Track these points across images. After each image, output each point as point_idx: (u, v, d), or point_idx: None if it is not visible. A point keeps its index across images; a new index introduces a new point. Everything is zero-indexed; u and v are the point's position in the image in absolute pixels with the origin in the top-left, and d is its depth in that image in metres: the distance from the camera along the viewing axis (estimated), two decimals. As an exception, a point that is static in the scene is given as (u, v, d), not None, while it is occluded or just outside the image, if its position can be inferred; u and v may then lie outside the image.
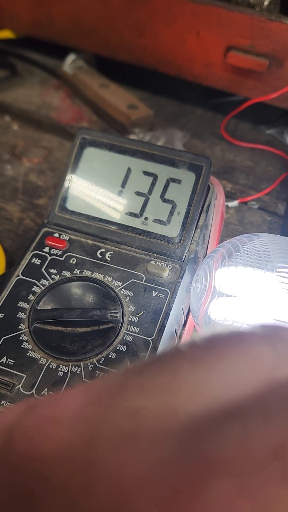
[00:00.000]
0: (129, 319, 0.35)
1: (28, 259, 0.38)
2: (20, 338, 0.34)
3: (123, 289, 0.37)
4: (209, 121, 0.65)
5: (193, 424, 0.11)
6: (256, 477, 0.10)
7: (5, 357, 0.33)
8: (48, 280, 0.37)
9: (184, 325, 0.38)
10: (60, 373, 0.33)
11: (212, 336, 0.14)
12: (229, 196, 0.55)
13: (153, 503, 0.10)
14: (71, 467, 0.11)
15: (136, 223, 0.40)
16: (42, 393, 0.32)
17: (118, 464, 0.11)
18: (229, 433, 0.11)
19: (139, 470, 0.11)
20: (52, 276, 0.37)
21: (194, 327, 0.39)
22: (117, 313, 0.35)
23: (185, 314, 0.38)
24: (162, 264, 0.38)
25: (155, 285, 0.37)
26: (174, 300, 0.36)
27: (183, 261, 0.38)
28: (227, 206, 0.54)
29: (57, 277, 0.37)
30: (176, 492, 0.10)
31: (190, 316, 0.38)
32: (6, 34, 0.70)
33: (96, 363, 0.33)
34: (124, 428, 0.12)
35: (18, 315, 0.35)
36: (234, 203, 0.54)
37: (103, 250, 0.39)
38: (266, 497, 0.10)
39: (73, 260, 0.38)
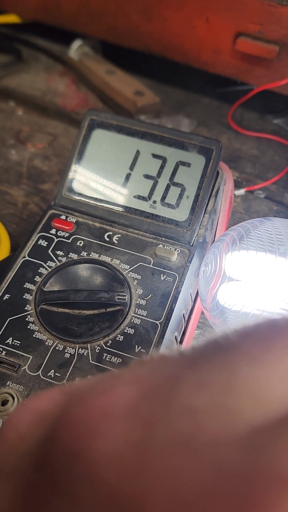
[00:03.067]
0: (137, 302, 0.35)
1: (35, 241, 0.38)
2: (26, 319, 0.34)
3: (130, 272, 0.36)
4: (215, 110, 0.65)
5: (255, 432, 0.10)
6: None
7: (11, 338, 0.33)
8: (55, 262, 0.37)
9: (192, 309, 0.37)
10: (67, 355, 0.32)
11: (268, 327, 0.13)
12: (235, 185, 0.55)
13: None
14: (123, 472, 0.10)
15: (144, 206, 0.39)
16: (48, 374, 0.31)
17: (176, 471, 0.10)
18: None
19: (199, 480, 0.09)
20: (59, 258, 0.37)
21: (202, 311, 0.38)
22: (125, 295, 0.34)
23: (193, 299, 0.37)
24: (171, 248, 0.37)
25: (163, 269, 0.36)
26: (182, 284, 0.35)
27: (192, 246, 0.38)
28: (233, 194, 0.53)
29: (64, 259, 0.37)
30: (243, 508, 0.09)
31: (198, 301, 0.37)
32: (12, 18, 0.69)
33: (104, 346, 0.32)
34: (181, 429, 0.11)
35: (24, 296, 0.35)
36: (241, 191, 0.54)
37: (111, 233, 0.38)
38: None
39: (80, 243, 0.38)
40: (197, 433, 0.10)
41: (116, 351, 0.32)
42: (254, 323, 0.13)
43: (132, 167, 0.40)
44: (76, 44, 0.67)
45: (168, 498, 0.09)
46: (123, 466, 0.10)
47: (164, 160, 0.40)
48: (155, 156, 0.40)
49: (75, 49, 0.66)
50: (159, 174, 0.39)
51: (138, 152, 0.40)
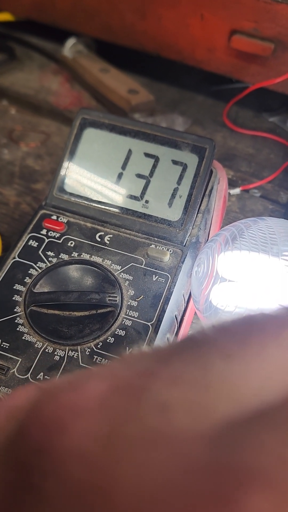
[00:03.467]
0: (128, 303, 0.34)
1: (25, 241, 0.37)
2: (16, 321, 0.33)
3: (122, 273, 0.35)
4: (210, 108, 0.64)
5: (226, 427, 0.10)
6: None
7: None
8: (45, 262, 0.36)
9: (185, 311, 0.36)
10: (57, 357, 0.31)
11: (246, 323, 0.13)
12: (231, 184, 0.54)
13: None
14: (90, 468, 0.10)
15: (136, 206, 0.39)
16: (37, 377, 0.31)
17: (144, 467, 0.10)
18: (266, 442, 0.10)
19: (165, 476, 0.09)
20: (50, 259, 0.36)
21: (195, 313, 0.38)
22: (116, 297, 0.34)
23: (186, 300, 0.37)
24: (163, 248, 0.37)
25: (155, 269, 0.36)
26: (174, 285, 0.35)
27: (185, 246, 0.37)
28: (228, 193, 0.52)
29: (54, 260, 0.36)
30: (206, 505, 0.09)
31: (191, 302, 0.37)
32: (5, 16, 0.68)
33: (94, 348, 0.32)
34: (151, 424, 0.11)
35: (13, 298, 0.34)
36: (236, 190, 0.53)
37: (102, 233, 0.38)
38: None
39: (71, 243, 0.37)
40: (167, 429, 0.10)
41: (106, 353, 0.32)
42: (232, 319, 0.13)
43: (124, 167, 0.39)
44: (70, 42, 0.66)
45: (134, 493, 0.09)
46: (91, 461, 0.10)
47: (156, 159, 0.39)
48: (147, 155, 0.39)
49: (69, 48, 0.66)
50: (151, 173, 0.39)
51: (130, 151, 0.40)
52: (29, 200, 0.51)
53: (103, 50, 0.68)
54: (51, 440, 0.11)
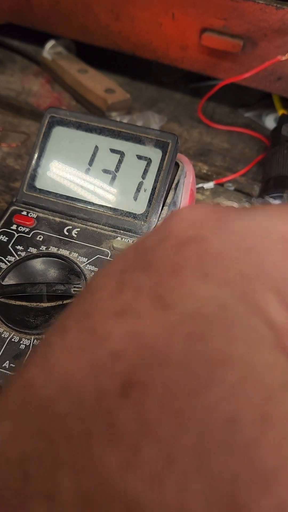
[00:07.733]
0: (93, 293, 0.35)
1: (-5, 237, 0.39)
2: (-16, 312, 0.34)
3: (88, 265, 0.37)
4: (187, 105, 0.65)
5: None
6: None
7: None
8: (15, 256, 0.37)
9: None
10: (22, 346, 0.33)
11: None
12: (205, 178, 0.55)
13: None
14: None
15: (103, 200, 0.40)
16: (3, 365, 0.32)
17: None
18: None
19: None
20: (19, 253, 0.38)
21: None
22: (81, 288, 0.35)
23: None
24: (128, 240, 0.38)
25: (121, 260, 0.37)
26: (139, 275, 0.36)
27: (149, 237, 0.38)
28: (202, 188, 0.54)
29: (23, 254, 0.37)
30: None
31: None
32: (-14, 21, 0.69)
33: (59, 336, 0.33)
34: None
35: (-18, 291, 0.36)
36: (210, 184, 0.54)
37: (70, 227, 0.39)
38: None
39: (40, 237, 0.39)
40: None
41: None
42: None
43: (91, 163, 0.41)
44: (49, 44, 0.67)
45: None
46: None
47: (122, 154, 0.40)
48: (113, 151, 0.41)
49: (48, 49, 0.67)
50: (117, 168, 0.40)
51: (96, 148, 0.41)
52: (7, 198, 0.52)
53: (83, 51, 0.70)
54: None
